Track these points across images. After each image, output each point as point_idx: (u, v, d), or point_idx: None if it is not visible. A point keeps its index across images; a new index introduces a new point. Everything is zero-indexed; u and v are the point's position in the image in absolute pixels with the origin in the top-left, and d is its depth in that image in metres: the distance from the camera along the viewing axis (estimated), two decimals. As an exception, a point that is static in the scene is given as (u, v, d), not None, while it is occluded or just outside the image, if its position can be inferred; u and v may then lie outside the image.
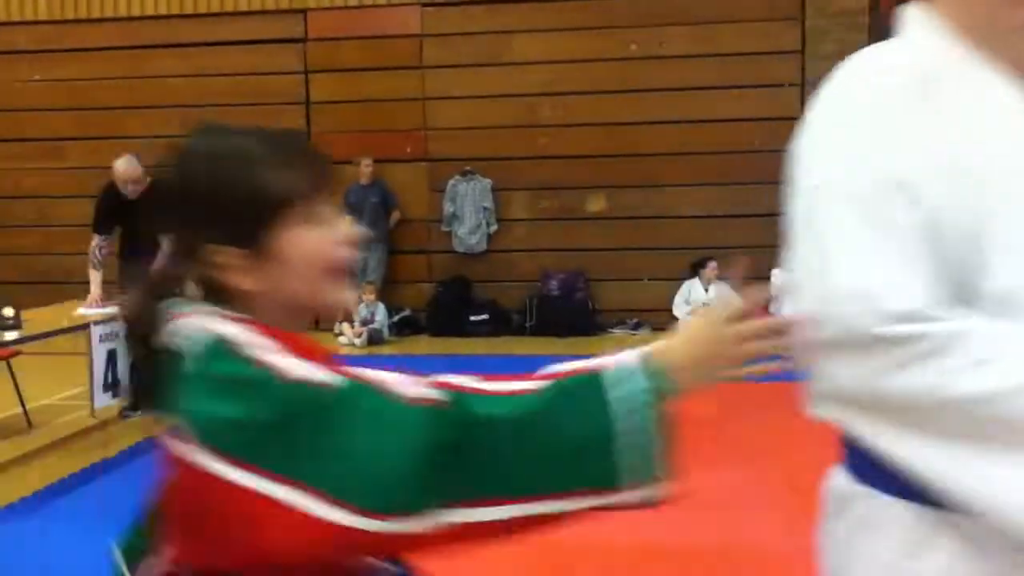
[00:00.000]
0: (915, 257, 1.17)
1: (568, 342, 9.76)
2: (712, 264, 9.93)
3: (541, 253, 10.61)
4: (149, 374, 1.18)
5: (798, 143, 1.33)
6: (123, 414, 6.80)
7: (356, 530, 1.02)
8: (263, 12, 10.88)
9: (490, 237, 10.64)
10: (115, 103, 11.00)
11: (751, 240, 10.16)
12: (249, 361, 1.07)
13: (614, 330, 10.33)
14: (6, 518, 4.77)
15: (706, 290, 9.94)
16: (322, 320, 8.27)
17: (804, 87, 10.06)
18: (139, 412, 6.82)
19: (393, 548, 1.11)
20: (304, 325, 1.24)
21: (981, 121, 1.24)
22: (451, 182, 10.53)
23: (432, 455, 1.03)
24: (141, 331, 1.18)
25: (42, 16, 11.23)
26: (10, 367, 6.51)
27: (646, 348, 1.16)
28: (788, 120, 9.47)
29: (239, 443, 1.04)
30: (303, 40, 10.87)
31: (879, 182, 1.20)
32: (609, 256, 10.49)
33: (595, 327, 10.30)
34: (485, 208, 10.56)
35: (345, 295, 1.24)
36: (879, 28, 9.77)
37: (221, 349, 1.09)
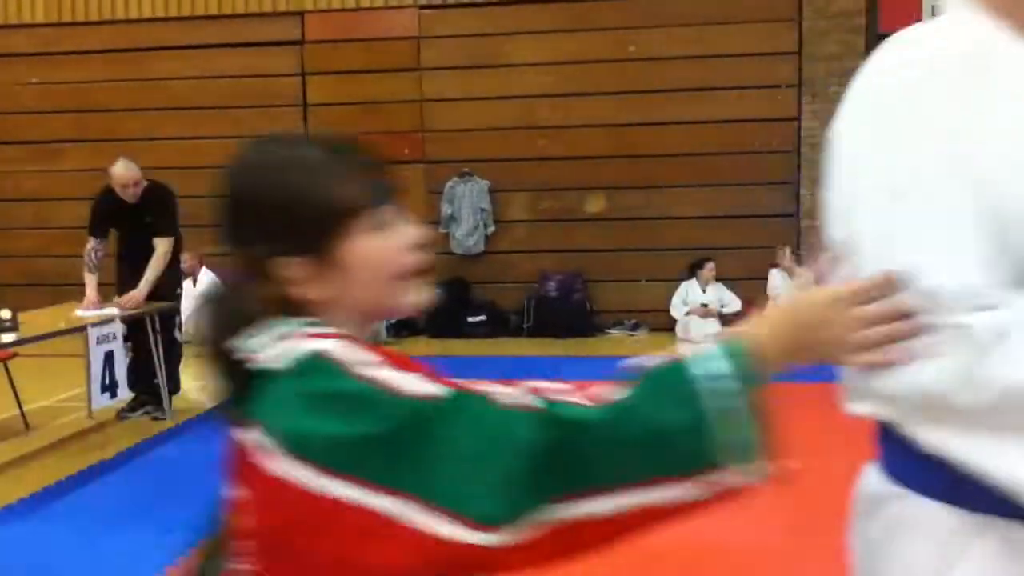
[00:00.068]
0: (979, 242, 1.12)
1: (566, 343, 9.77)
2: (710, 265, 9.95)
3: (539, 254, 10.61)
4: (230, 391, 1.16)
5: (842, 125, 1.27)
6: (120, 416, 6.80)
7: (467, 544, 1.01)
8: (260, 15, 10.88)
9: (488, 238, 10.64)
10: (114, 105, 11.00)
11: (749, 241, 10.20)
12: (352, 376, 1.06)
13: (612, 331, 10.34)
14: (4, 519, 4.77)
15: (703, 291, 9.96)
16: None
17: (801, 88, 10.08)
18: (137, 414, 6.83)
19: (502, 565, 1.08)
20: (374, 330, 1.23)
21: None
22: (449, 184, 10.53)
23: (536, 458, 1.03)
24: (220, 349, 1.16)
25: (40, 19, 11.23)
26: (7, 369, 6.51)
27: (735, 332, 1.15)
28: (786, 121, 9.56)
29: (347, 458, 1.03)
30: (300, 42, 10.87)
31: (939, 165, 1.15)
32: (607, 257, 10.50)
33: (593, 328, 10.31)
34: (483, 209, 10.57)
35: (419, 296, 1.22)
36: (876, 29, 9.78)
37: (320, 365, 1.07)
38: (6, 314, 5.90)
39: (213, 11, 10.91)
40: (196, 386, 7.16)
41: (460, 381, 1.09)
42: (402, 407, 1.04)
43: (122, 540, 4.43)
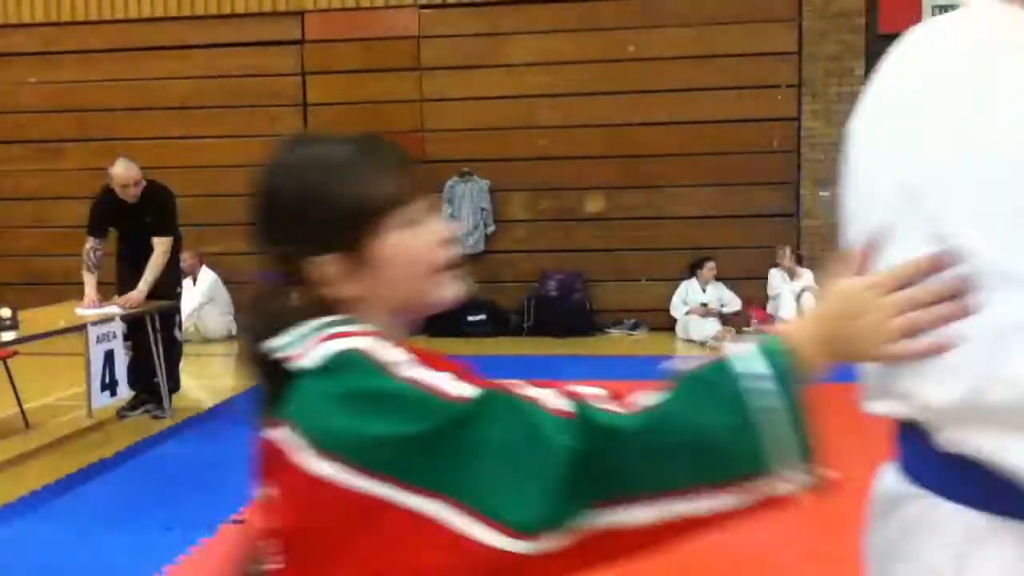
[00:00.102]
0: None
1: (566, 342, 9.77)
2: (710, 264, 9.96)
3: (539, 254, 10.62)
4: (266, 392, 1.15)
5: (858, 124, 1.24)
6: (120, 414, 6.80)
7: (506, 552, 0.99)
8: (260, 14, 10.89)
9: (488, 238, 10.65)
10: (113, 105, 11.01)
11: (749, 240, 10.21)
12: (385, 375, 1.05)
13: (612, 330, 10.35)
14: (4, 518, 4.77)
15: (703, 290, 9.96)
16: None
17: (801, 88, 10.08)
18: (137, 412, 6.83)
19: (538, 572, 1.05)
20: (409, 326, 1.22)
21: None
22: (449, 183, 10.54)
23: (573, 465, 1.01)
24: (256, 351, 1.15)
25: (40, 18, 11.23)
26: (7, 367, 6.51)
27: (774, 330, 1.11)
28: (785, 121, 9.55)
29: (381, 458, 1.02)
30: (300, 42, 10.88)
31: (955, 163, 1.11)
32: (607, 257, 10.50)
33: (593, 327, 10.31)
34: (483, 209, 10.58)
35: (453, 290, 1.21)
36: (876, 30, 9.79)
37: (353, 363, 1.07)
38: (6, 312, 5.90)
39: (213, 11, 10.91)
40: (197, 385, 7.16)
41: (495, 380, 1.08)
42: (435, 408, 1.03)
43: (122, 538, 4.43)
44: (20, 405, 6.60)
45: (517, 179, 10.59)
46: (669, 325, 10.03)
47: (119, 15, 11.07)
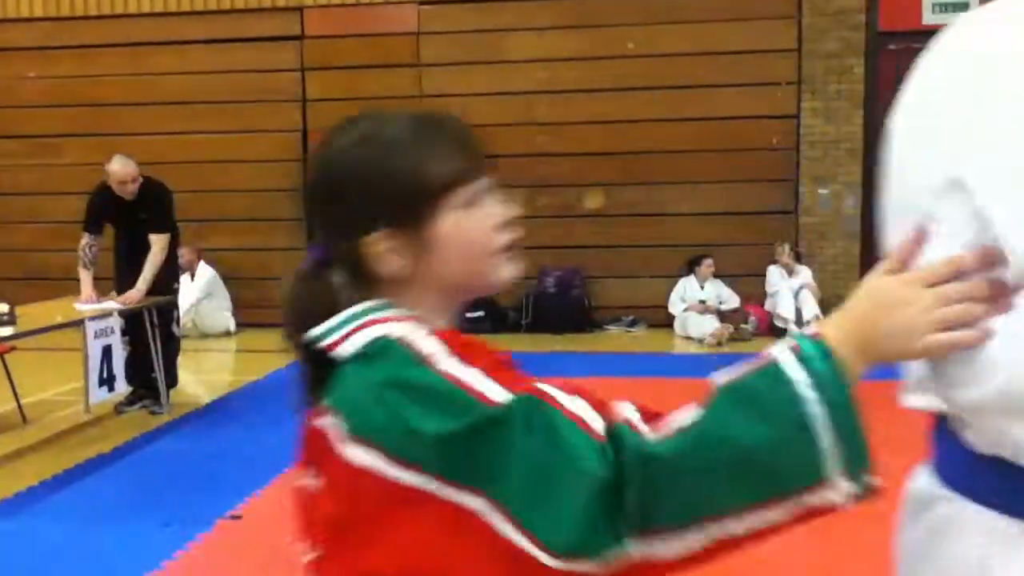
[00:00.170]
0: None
1: (565, 339, 9.77)
2: (708, 261, 9.96)
3: (538, 250, 10.60)
4: (310, 379, 1.14)
5: (898, 120, 1.21)
6: (118, 410, 6.80)
7: (539, 564, 0.97)
8: (260, 10, 10.87)
9: (487, 235, 10.63)
10: (112, 100, 10.99)
11: (747, 237, 10.21)
12: (424, 366, 1.04)
13: (610, 327, 10.35)
14: (1, 513, 4.76)
15: (702, 287, 9.96)
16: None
17: (801, 85, 10.08)
18: (135, 408, 6.83)
19: None
20: (457, 307, 1.20)
21: None
22: (448, 179, 10.52)
23: (606, 492, 0.96)
24: (301, 338, 1.13)
25: (39, 13, 11.21)
26: (5, 362, 6.51)
27: (810, 330, 1.05)
28: (785, 118, 9.54)
29: (419, 450, 1.00)
30: (300, 38, 10.86)
31: (979, 162, 1.07)
32: (606, 253, 10.50)
33: (591, 324, 10.31)
34: (482, 206, 10.56)
35: (509, 272, 1.18)
36: (876, 27, 9.78)
37: (390, 352, 1.06)
38: (4, 308, 5.89)
39: (212, 6, 10.89)
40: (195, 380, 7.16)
41: (543, 387, 1.03)
42: (468, 406, 1.00)
43: (120, 534, 4.43)
44: (17, 400, 6.60)
45: (516, 175, 10.56)
46: (667, 322, 10.03)
47: (118, 10, 11.04)
